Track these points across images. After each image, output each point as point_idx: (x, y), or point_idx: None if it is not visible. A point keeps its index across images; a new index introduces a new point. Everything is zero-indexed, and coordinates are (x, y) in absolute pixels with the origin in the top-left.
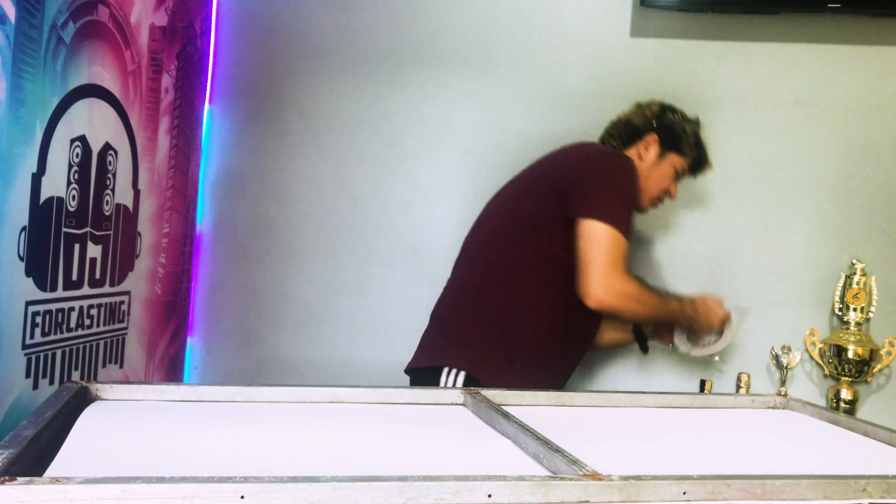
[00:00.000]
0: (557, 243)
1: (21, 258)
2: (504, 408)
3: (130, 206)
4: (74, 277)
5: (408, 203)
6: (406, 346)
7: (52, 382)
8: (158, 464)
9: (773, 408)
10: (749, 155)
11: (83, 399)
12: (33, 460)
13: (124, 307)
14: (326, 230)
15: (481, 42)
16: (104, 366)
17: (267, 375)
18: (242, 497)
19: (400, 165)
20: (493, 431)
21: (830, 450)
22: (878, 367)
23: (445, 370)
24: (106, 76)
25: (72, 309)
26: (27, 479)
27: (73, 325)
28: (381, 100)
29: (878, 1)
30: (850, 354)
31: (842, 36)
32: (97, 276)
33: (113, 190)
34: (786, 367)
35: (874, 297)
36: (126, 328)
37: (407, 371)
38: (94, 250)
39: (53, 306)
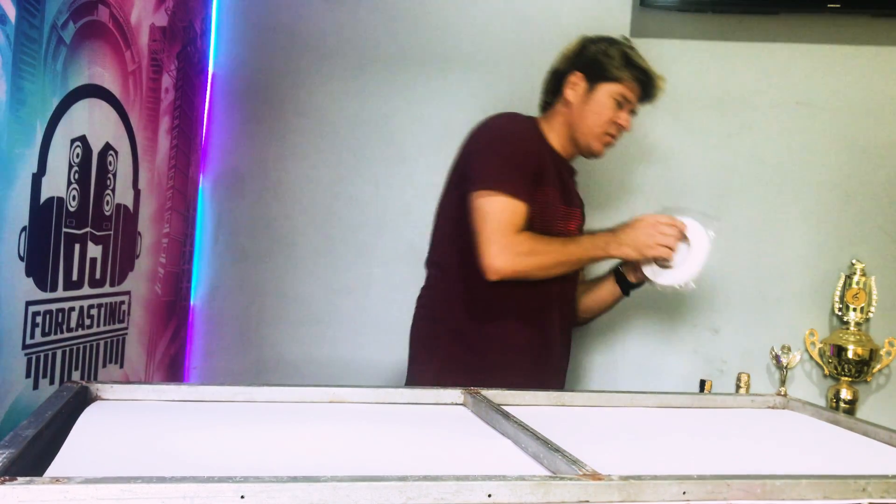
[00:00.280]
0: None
1: (21, 258)
2: (504, 408)
3: (130, 206)
4: (74, 277)
5: (408, 203)
6: (406, 346)
7: (52, 382)
8: (158, 464)
9: (773, 408)
10: (749, 155)
11: (83, 399)
12: (33, 460)
13: (124, 307)
14: (326, 230)
15: (481, 42)
16: (104, 366)
17: (267, 375)
18: (242, 497)
19: (400, 165)
20: (493, 431)
21: (830, 450)
22: (878, 367)
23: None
24: (106, 76)
25: (72, 309)
26: (27, 479)
27: (73, 325)
28: (380, 100)
29: (878, 1)
30: (850, 354)
31: (842, 36)
32: (97, 276)
33: (113, 190)
34: (786, 367)
35: (874, 297)
36: (126, 328)
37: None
38: (94, 250)
39: (53, 306)
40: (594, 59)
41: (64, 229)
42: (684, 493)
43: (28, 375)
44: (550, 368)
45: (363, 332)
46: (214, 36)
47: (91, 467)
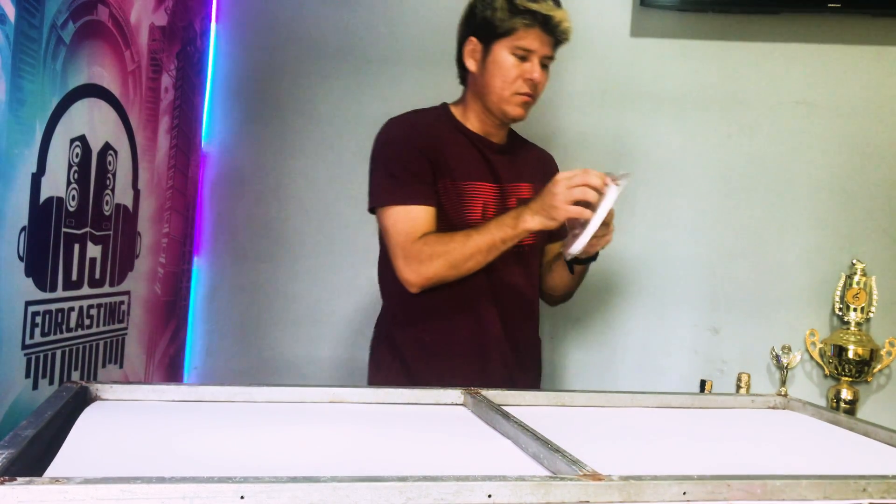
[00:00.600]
0: None
1: (21, 258)
2: (504, 408)
3: (130, 206)
4: (74, 277)
5: None
6: None
7: (51, 382)
8: (158, 464)
9: (773, 408)
10: (749, 155)
11: (83, 399)
12: (33, 460)
13: (124, 307)
14: (326, 230)
15: None
16: (104, 366)
17: (267, 375)
18: (242, 497)
19: None
20: (493, 431)
21: (830, 450)
22: (879, 367)
23: None
24: (106, 76)
25: (72, 309)
26: (27, 479)
27: (72, 325)
28: (380, 100)
29: (878, 1)
30: (851, 354)
31: (842, 36)
32: (97, 276)
33: (113, 190)
34: (786, 367)
35: (874, 297)
36: (126, 328)
37: None
38: (93, 250)
39: (53, 306)
40: (482, 19)
41: (63, 229)
42: (684, 493)
43: (28, 375)
44: (495, 368)
45: (363, 332)
46: (214, 36)
47: (91, 467)
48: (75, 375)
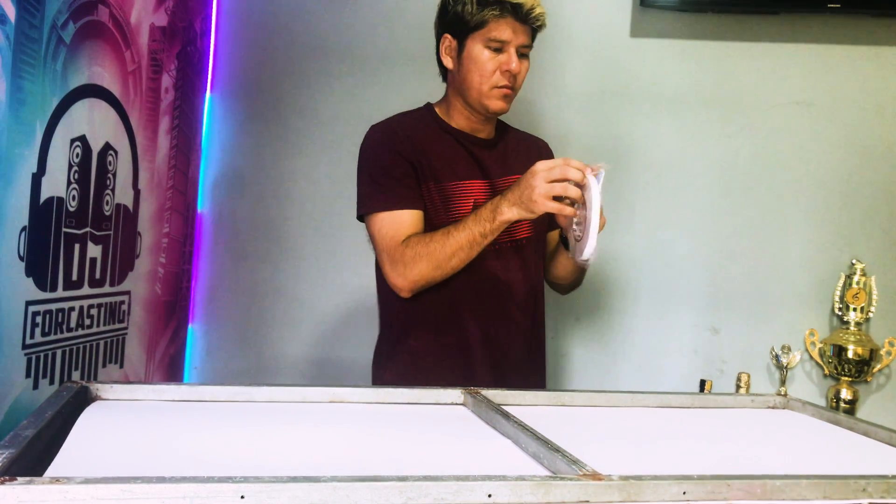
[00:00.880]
0: None
1: (21, 258)
2: (504, 408)
3: (130, 206)
4: (74, 277)
5: None
6: None
7: (52, 382)
8: (158, 464)
9: (773, 408)
10: (749, 155)
11: (83, 399)
12: (33, 460)
13: (124, 307)
14: (326, 230)
15: None
16: (104, 366)
17: (267, 375)
18: (242, 497)
19: None
20: (493, 431)
21: (830, 450)
22: (878, 367)
23: None
24: (106, 76)
25: (72, 309)
26: (27, 479)
27: (73, 325)
28: (381, 100)
29: (878, 1)
30: (850, 354)
31: (842, 36)
32: (97, 276)
33: (113, 190)
34: (786, 367)
35: (874, 297)
36: (126, 328)
37: None
38: (94, 250)
39: (53, 306)
40: (453, 14)
41: (64, 229)
42: (684, 493)
43: (28, 375)
44: (483, 372)
45: (363, 332)
46: (214, 36)
47: (91, 467)
48: (75, 375)
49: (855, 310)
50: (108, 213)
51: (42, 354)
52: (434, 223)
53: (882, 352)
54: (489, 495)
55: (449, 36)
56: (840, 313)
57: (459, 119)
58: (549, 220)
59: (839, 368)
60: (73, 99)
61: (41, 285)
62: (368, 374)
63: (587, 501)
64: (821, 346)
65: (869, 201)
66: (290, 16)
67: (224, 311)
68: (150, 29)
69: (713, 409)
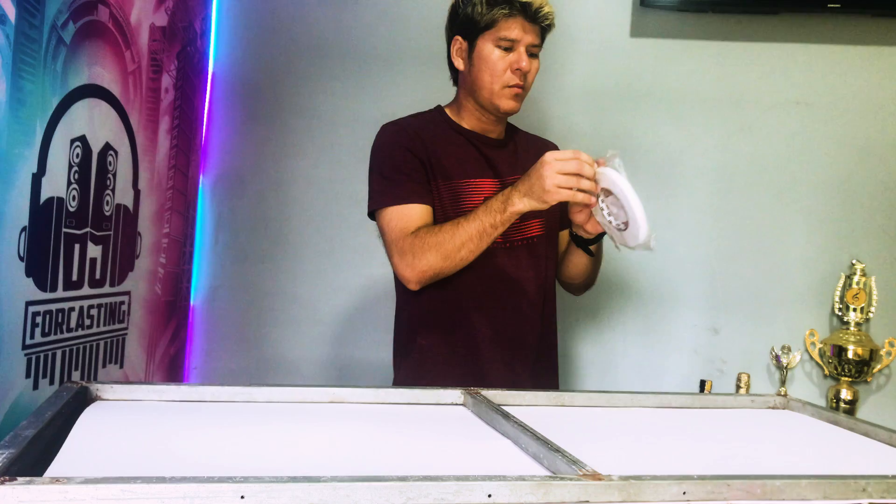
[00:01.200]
0: None
1: (21, 258)
2: (504, 408)
3: (130, 206)
4: (74, 277)
5: None
6: None
7: (52, 382)
8: (158, 464)
9: (773, 408)
10: (749, 155)
11: (83, 399)
12: (33, 460)
13: (124, 307)
14: (326, 230)
15: None
16: (104, 366)
17: (267, 375)
18: (242, 497)
19: None
20: (493, 431)
21: (830, 450)
22: (878, 367)
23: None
24: (106, 76)
25: (72, 309)
26: (27, 479)
27: (73, 325)
28: (380, 100)
29: (878, 1)
30: (850, 354)
31: (842, 36)
32: (97, 276)
33: (113, 190)
34: (786, 367)
35: (874, 297)
36: (126, 328)
37: None
38: (94, 250)
39: (53, 306)
40: (464, 16)
41: (64, 229)
42: (684, 493)
43: (28, 375)
44: (491, 369)
45: (363, 332)
46: (214, 36)
47: (91, 467)
48: (75, 375)
49: (855, 310)
50: (108, 214)
51: (42, 355)
52: (443, 221)
53: (882, 352)
54: (489, 495)
55: (459, 38)
56: (840, 313)
57: (470, 120)
58: (561, 219)
59: (839, 369)
60: (73, 99)
61: (41, 285)
62: (369, 374)
63: (587, 501)
64: (821, 346)
65: (869, 201)
66: (290, 16)
67: (224, 311)
68: (150, 29)
69: (713, 409)
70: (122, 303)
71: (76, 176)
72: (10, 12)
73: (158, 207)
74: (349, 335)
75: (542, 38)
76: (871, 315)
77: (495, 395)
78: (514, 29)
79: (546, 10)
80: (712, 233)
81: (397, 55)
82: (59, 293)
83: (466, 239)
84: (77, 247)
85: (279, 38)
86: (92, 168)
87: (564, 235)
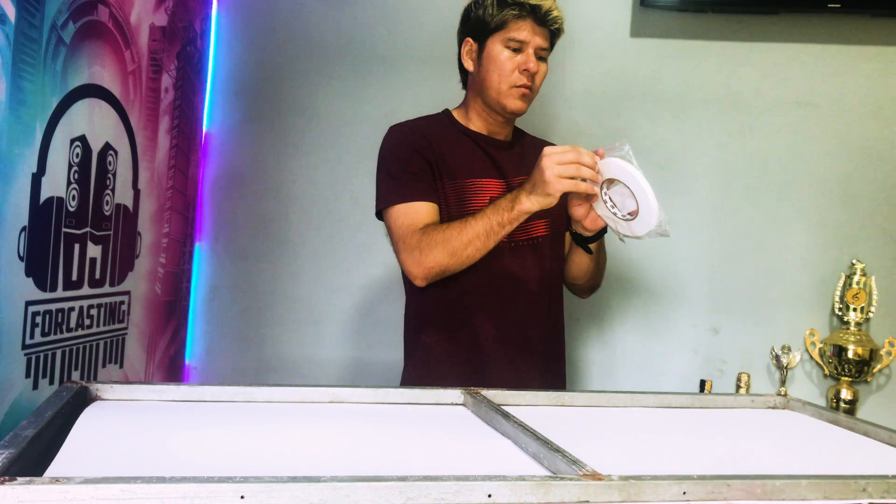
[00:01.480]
0: None
1: (21, 258)
2: (504, 408)
3: (130, 206)
4: (74, 277)
5: None
6: None
7: (52, 382)
8: (158, 464)
9: (773, 408)
10: (749, 155)
11: (83, 399)
12: (33, 460)
13: (124, 307)
14: (326, 230)
15: None
16: (104, 366)
17: (267, 375)
18: (242, 497)
19: None
20: (493, 431)
21: (830, 450)
22: (878, 367)
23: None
24: (106, 76)
25: (72, 309)
26: (27, 479)
27: (73, 325)
28: (380, 100)
29: (878, 1)
30: (850, 354)
31: (842, 36)
32: (97, 276)
33: (113, 190)
34: (786, 367)
35: (874, 297)
36: (126, 328)
37: None
38: (94, 250)
39: (53, 306)
40: (475, 19)
41: (64, 229)
42: (684, 493)
43: (28, 375)
44: (494, 368)
45: (363, 332)
46: (214, 36)
47: (91, 467)
48: (75, 375)
49: (855, 310)
50: (107, 213)
51: (42, 354)
52: (448, 221)
53: (882, 352)
54: (489, 495)
55: (470, 39)
56: (840, 313)
57: (478, 122)
58: (567, 221)
59: (839, 368)
60: (73, 99)
61: (41, 285)
62: (368, 374)
63: (587, 501)
64: (821, 346)
65: (869, 201)
66: (290, 16)
67: (224, 311)
68: (150, 29)
69: (713, 409)
70: (121, 303)
71: (76, 176)
72: (10, 12)
73: (158, 207)
74: (349, 335)
75: (552, 44)
76: (871, 315)
77: (495, 395)
78: (523, 30)
79: (555, 13)
80: (712, 233)
81: (397, 55)
82: (59, 293)
83: (473, 237)
84: (77, 247)
85: (279, 38)
86: (92, 168)
87: (569, 237)
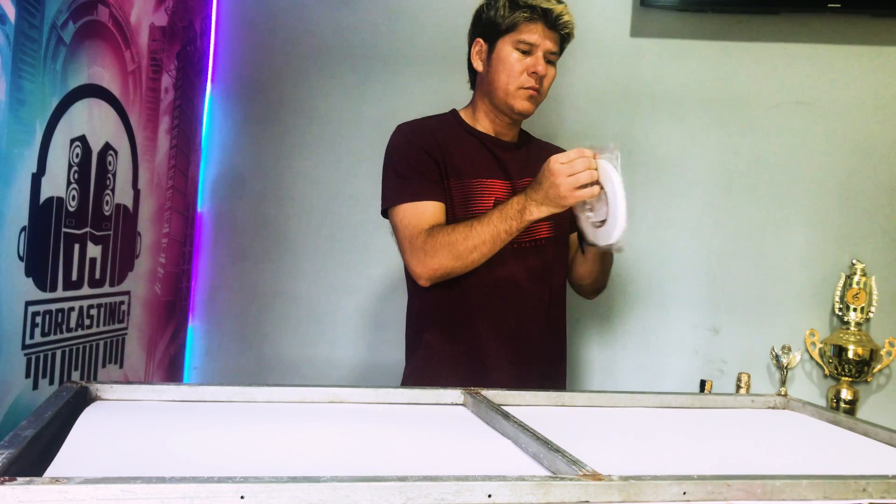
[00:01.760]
0: None
1: (21, 258)
2: (504, 408)
3: (130, 206)
4: (74, 277)
5: None
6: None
7: (52, 382)
8: (158, 464)
9: (773, 408)
10: (749, 155)
11: (83, 399)
12: (33, 460)
13: (124, 307)
14: (326, 230)
15: None
16: (104, 366)
17: (267, 375)
18: (242, 497)
19: None
20: (493, 431)
21: (830, 450)
22: (878, 367)
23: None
24: (106, 76)
25: (72, 309)
26: (27, 479)
27: (72, 325)
28: (381, 100)
29: (878, 1)
30: (850, 354)
31: (842, 36)
32: (97, 276)
33: (113, 190)
34: (786, 367)
35: (874, 297)
36: (126, 328)
37: None
38: (94, 250)
39: (53, 306)
40: (486, 20)
41: (63, 229)
42: (684, 493)
43: (28, 375)
44: (495, 369)
45: (363, 332)
46: (214, 36)
47: (91, 467)
48: (75, 375)
49: (855, 310)
50: (107, 213)
51: (42, 354)
52: (454, 221)
53: (882, 352)
54: (489, 495)
55: (480, 40)
56: (840, 313)
57: (485, 122)
58: (570, 222)
59: (839, 368)
60: (72, 99)
61: (41, 285)
62: (368, 374)
63: (587, 501)
64: (821, 346)
65: (869, 201)
66: (290, 16)
67: (224, 311)
68: (150, 29)
69: (713, 409)
70: (121, 303)
71: (76, 176)
72: (10, 12)
73: (158, 207)
74: (349, 335)
75: (561, 48)
76: (871, 315)
77: (495, 395)
78: (533, 33)
79: (566, 18)
80: (712, 233)
81: (397, 55)
82: (59, 293)
83: (479, 242)
84: (77, 247)
85: (279, 38)
86: (92, 168)
87: (574, 238)
